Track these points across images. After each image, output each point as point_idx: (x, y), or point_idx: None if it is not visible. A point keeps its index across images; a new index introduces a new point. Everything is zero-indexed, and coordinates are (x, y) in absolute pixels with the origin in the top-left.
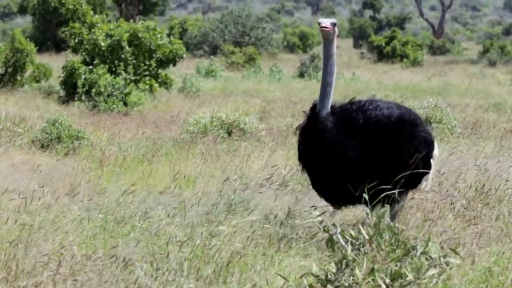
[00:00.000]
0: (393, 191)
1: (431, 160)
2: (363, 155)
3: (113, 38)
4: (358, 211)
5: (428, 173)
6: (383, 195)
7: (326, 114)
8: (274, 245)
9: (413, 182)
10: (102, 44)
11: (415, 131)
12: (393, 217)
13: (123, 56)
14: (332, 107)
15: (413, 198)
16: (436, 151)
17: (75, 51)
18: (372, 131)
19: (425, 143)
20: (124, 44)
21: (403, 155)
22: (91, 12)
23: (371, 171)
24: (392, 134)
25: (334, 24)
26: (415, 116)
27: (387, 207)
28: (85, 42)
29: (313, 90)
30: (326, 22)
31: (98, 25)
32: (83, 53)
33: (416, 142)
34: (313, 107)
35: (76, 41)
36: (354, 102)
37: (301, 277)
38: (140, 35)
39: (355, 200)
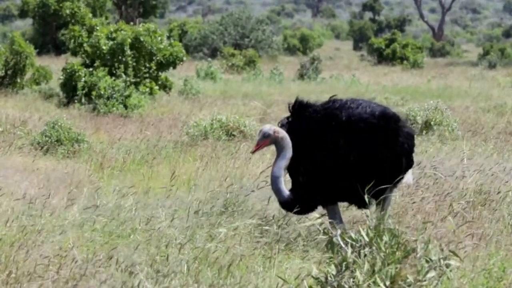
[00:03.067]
0: (373, 188)
1: (413, 154)
2: (347, 156)
3: (116, 42)
4: (356, 213)
5: (411, 165)
6: (384, 197)
7: (287, 198)
8: (274, 247)
9: (397, 177)
10: (104, 47)
11: (399, 126)
12: (384, 212)
13: (124, 59)
14: (312, 105)
15: (414, 202)
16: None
17: (74, 53)
18: (356, 128)
19: (407, 138)
20: (127, 48)
21: (388, 152)
22: (90, 15)
23: (356, 170)
24: (376, 130)
25: (265, 136)
26: (395, 112)
27: (374, 204)
28: (84, 45)
29: (313, 92)
30: (258, 138)
31: (97, 27)
32: (83, 56)
33: (402, 138)
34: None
35: (76, 43)
36: (335, 100)
37: (301, 279)
38: (142, 39)
39: (341, 200)
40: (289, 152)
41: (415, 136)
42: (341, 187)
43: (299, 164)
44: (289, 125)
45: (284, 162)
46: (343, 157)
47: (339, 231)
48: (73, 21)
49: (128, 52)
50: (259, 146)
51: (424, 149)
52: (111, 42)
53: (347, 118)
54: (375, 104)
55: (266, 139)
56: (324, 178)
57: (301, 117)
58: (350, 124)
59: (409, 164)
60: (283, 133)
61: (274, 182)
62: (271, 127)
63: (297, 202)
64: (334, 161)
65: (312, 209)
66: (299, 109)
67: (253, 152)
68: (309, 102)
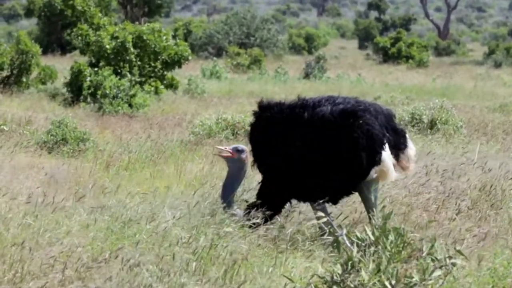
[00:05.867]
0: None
1: (383, 151)
2: (309, 154)
3: (118, 40)
4: (358, 211)
5: (375, 163)
6: (367, 195)
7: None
8: (279, 246)
9: (360, 174)
10: (107, 46)
11: (355, 123)
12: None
13: (128, 58)
14: (277, 105)
15: (420, 201)
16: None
17: (82, 52)
18: (316, 126)
19: (366, 134)
20: (129, 46)
21: (345, 148)
22: (100, 15)
23: (319, 168)
24: (335, 128)
25: (238, 149)
26: (363, 108)
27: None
28: (91, 44)
29: (318, 91)
30: (232, 147)
31: (106, 26)
32: (90, 55)
33: (357, 134)
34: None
35: (83, 42)
36: (304, 99)
37: (307, 278)
38: (145, 37)
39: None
40: (242, 176)
41: (377, 134)
42: (310, 185)
43: (267, 165)
44: (256, 126)
45: (238, 183)
46: (306, 156)
47: (344, 231)
48: (82, 19)
49: (132, 51)
50: (225, 152)
51: (429, 148)
52: (114, 42)
53: (308, 117)
54: (350, 101)
55: (236, 153)
56: (289, 177)
57: (267, 118)
58: (311, 123)
59: (372, 161)
60: (248, 160)
61: (227, 207)
62: (247, 149)
63: (263, 204)
64: (299, 159)
65: (281, 207)
66: (264, 110)
67: (217, 152)
68: (273, 103)
